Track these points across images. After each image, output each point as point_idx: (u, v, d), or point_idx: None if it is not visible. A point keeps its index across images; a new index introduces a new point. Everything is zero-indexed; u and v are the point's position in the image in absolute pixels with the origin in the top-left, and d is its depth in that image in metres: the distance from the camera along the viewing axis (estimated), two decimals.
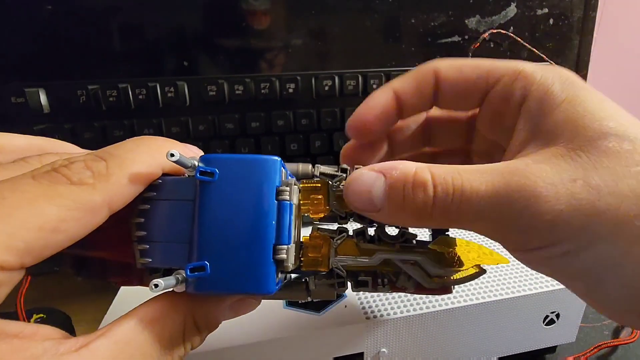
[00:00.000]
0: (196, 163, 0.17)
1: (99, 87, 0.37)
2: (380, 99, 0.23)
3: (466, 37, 0.45)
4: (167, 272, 0.19)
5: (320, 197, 0.19)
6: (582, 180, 0.16)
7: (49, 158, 0.16)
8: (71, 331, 0.35)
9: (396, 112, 0.23)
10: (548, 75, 0.19)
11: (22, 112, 0.36)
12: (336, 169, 0.20)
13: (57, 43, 0.39)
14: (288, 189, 0.17)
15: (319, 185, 0.20)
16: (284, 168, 0.18)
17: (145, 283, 0.19)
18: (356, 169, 0.19)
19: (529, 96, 0.19)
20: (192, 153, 0.18)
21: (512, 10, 0.45)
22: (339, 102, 0.41)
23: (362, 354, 0.29)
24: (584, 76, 0.49)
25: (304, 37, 0.43)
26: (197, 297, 0.17)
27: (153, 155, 0.16)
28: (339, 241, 0.20)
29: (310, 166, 0.21)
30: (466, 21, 0.45)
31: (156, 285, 0.15)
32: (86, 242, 0.15)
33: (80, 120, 0.37)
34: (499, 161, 0.18)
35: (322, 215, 0.20)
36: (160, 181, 0.17)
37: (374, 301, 0.30)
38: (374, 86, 0.41)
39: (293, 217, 0.17)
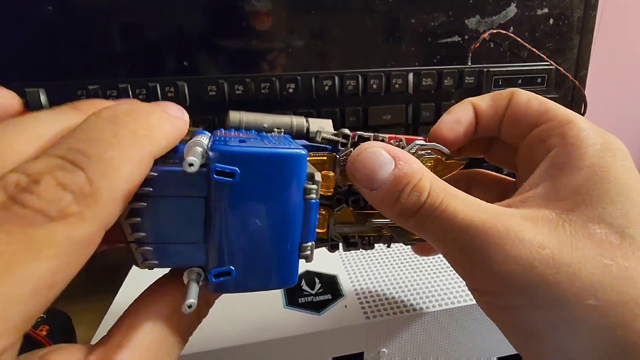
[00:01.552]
0: (203, 152, 0.14)
1: (99, 87, 0.37)
2: (463, 116, 0.23)
3: (466, 37, 0.45)
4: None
5: (331, 175, 0.20)
6: (550, 250, 0.16)
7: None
8: (72, 332, 0.35)
9: (473, 131, 0.23)
10: (592, 136, 0.19)
11: (22, 112, 0.36)
12: (336, 134, 0.20)
13: (58, 43, 0.39)
14: (315, 187, 0.16)
15: (325, 158, 0.20)
16: None
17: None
18: (360, 137, 0.20)
19: (560, 145, 0.19)
20: (181, 122, 0.16)
21: (512, 10, 0.45)
22: (339, 102, 0.41)
23: (361, 354, 0.29)
24: (584, 76, 0.49)
25: (304, 37, 0.43)
26: None
27: (141, 144, 0.13)
28: (338, 212, 0.21)
29: (304, 120, 0.21)
30: (466, 21, 0.45)
31: (190, 307, 0.14)
32: None
33: None
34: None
35: (330, 193, 0.20)
36: (155, 174, 0.14)
37: (374, 301, 0.30)
38: (374, 86, 0.41)
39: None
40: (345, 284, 0.32)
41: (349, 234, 0.22)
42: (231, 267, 0.15)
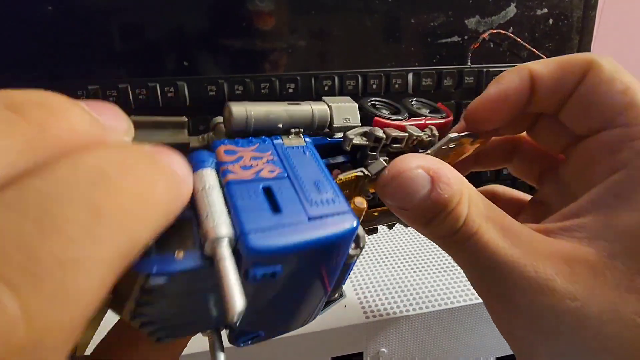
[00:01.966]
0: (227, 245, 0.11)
1: (99, 87, 0.37)
2: (513, 89, 0.19)
3: (466, 37, 0.45)
4: None
5: (364, 207, 0.17)
6: (581, 303, 0.15)
7: None
8: None
9: (526, 100, 0.19)
10: None
11: None
12: (365, 133, 0.17)
13: (57, 43, 0.39)
14: (357, 252, 0.14)
15: (354, 176, 0.17)
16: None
17: None
18: (394, 140, 0.18)
19: (633, 168, 0.16)
20: (185, 188, 0.11)
21: (511, 10, 0.45)
22: None
23: (361, 353, 0.29)
24: None
25: (304, 37, 0.43)
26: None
27: (130, 232, 0.08)
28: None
29: (326, 109, 0.17)
30: (466, 21, 0.45)
31: None
32: None
33: None
34: (557, 205, 0.18)
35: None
36: (161, 281, 0.10)
37: (374, 301, 0.30)
38: (374, 86, 0.41)
39: None
40: (345, 284, 0.32)
41: (364, 226, 0.20)
42: (261, 331, 0.14)
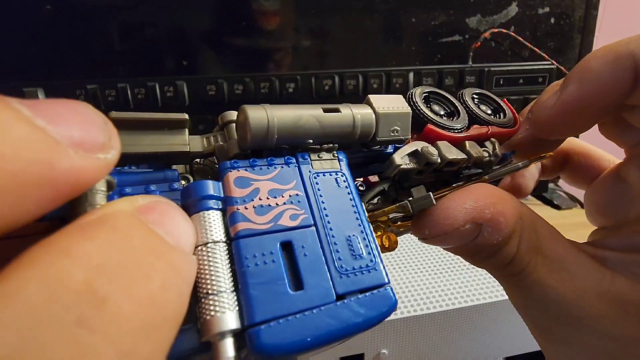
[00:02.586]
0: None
1: (98, 87, 0.37)
2: (606, 79, 0.13)
3: (467, 36, 0.45)
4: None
5: (393, 240, 0.15)
6: (622, 344, 0.15)
7: None
8: None
9: (624, 99, 0.14)
10: None
11: None
12: (415, 153, 0.15)
13: (56, 42, 0.38)
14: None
15: (395, 207, 0.15)
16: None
17: None
18: (449, 164, 0.15)
19: None
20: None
21: (513, 9, 0.45)
22: (339, 102, 0.41)
23: (362, 355, 0.29)
24: None
25: (304, 36, 0.42)
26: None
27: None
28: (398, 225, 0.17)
29: (372, 116, 0.14)
30: (467, 20, 0.44)
31: None
32: None
33: None
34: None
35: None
36: None
37: None
38: (375, 85, 0.40)
39: None
40: None
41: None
42: None
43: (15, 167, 0.06)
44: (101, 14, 0.39)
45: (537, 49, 0.46)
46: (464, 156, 0.15)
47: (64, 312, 0.06)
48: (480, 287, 0.30)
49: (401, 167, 0.14)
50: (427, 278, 0.32)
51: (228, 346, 0.09)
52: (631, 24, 0.64)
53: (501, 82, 0.43)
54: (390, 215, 0.16)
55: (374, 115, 0.14)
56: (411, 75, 0.41)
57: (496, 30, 0.45)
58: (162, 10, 0.39)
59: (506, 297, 0.28)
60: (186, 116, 0.12)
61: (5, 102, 0.07)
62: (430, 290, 0.31)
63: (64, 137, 0.07)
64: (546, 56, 0.46)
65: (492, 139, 0.17)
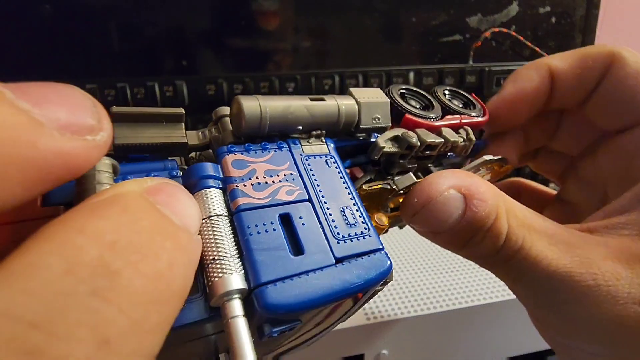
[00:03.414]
0: (240, 298, 0.09)
1: (97, 86, 0.36)
2: (531, 86, 0.18)
3: (467, 35, 0.45)
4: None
5: (386, 225, 0.16)
6: None
7: None
8: None
9: (545, 98, 0.19)
10: None
11: None
12: (396, 137, 0.16)
13: (55, 42, 0.38)
14: (382, 288, 0.13)
15: (379, 187, 0.16)
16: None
17: None
18: (427, 147, 0.16)
19: None
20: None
21: (514, 8, 0.45)
22: None
23: (362, 355, 0.29)
24: None
25: (304, 35, 0.42)
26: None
27: (135, 348, 0.07)
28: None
29: (354, 105, 0.15)
30: (467, 20, 0.44)
31: None
32: None
33: None
34: (598, 193, 0.16)
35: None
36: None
37: (375, 303, 0.29)
38: (375, 85, 0.40)
39: None
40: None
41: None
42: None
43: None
44: (100, 14, 0.38)
45: (537, 49, 0.45)
46: (441, 140, 0.17)
47: (80, 284, 0.06)
48: (482, 287, 0.30)
49: (384, 149, 0.15)
50: (428, 278, 0.32)
51: (236, 305, 0.09)
52: (631, 23, 0.64)
53: (501, 82, 0.43)
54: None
55: (356, 105, 0.15)
56: (411, 74, 0.41)
57: (497, 29, 0.44)
58: (162, 10, 0.39)
59: (508, 297, 0.28)
60: (183, 111, 0.13)
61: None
62: (431, 291, 0.31)
63: (49, 119, 0.07)
64: (547, 55, 0.46)
65: (466, 127, 0.19)
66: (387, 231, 0.18)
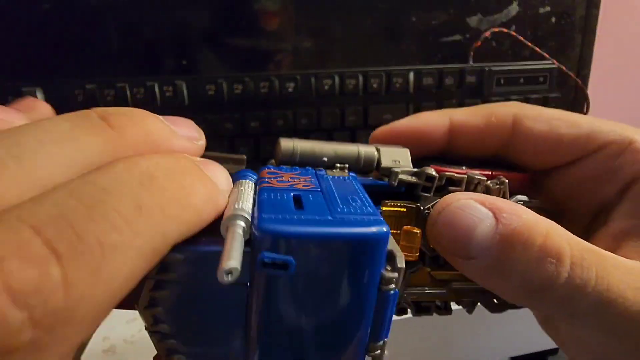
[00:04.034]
0: (246, 227, 0.11)
1: (97, 86, 0.36)
2: (431, 122, 0.19)
3: (467, 35, 0.45)
4: None
5: (416, 232, 0.15)
6: None
7: None
8: None
9: (440, 144, 0.19)
10: None
11: None
12: (417, 172, 0.16)
13: (55, 41, 0.38)
14: (396, 275, 0.12)
15: (404, 210, 0.15)
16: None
17: None
18: (448, 180, 0.15)
19: None
20: (222, 200, 0.12)
21: (514, 8, 0.45)
22: (339, 102, 0.41)
23: None
24: (587, 75, 0.48)
25: (304, 35, 0.42)
26: None
27: (165, 229, 0.10)
28: (412, 273, 0.16)
29: (374, 151, 0.17)
30: (467, 20, 0.44)
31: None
32: None
33: None
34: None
35: (414, 259, 0.15)
36: (180, 256, 0.11)
37: None
38: (375, 85, 0.40)
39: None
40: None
41: (424, 299, 0.17)
42: None
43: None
44: (100, 14, 0.38)
45: (537, 49, 0.45)
46: (464, 175, 0.16)
47: (132, 178, 0.10)
48: None
49: (399, 175, 0.16)
50: None
51: (239, 223, 0.11)
52: (632, 23, 0.64)
53: (502, 82, 0.43)
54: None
55: (376, 151, 0.17)
56: (411, 74, 0.41)
57: (497, 29, 0.44)
58: (162, 10, 0.39)
59: None
60: (244, 156, 0.16)
61: (151, 114, 0.12)
62: None
63: (182, 133, 0.13)
64: (547, 56, 0.46)
65: (500, 176, 0.17)
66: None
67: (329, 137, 0.41)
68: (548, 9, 0.46)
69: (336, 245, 0.11)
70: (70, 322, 0.08)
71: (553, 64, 0.45)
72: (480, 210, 0.13)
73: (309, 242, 0.11)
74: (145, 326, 0.12)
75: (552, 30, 0.46)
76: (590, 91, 0.48)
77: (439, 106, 0.42)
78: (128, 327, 0.29)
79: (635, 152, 0.16)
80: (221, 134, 0.39)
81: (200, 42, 0.41)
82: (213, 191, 0.12)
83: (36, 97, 0.36)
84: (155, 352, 0.13)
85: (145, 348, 0.28)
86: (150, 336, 0.12)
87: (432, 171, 0.16)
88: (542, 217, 0.13)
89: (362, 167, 0.17)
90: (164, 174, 0.10)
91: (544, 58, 0.46)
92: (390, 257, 0.12)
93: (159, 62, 0.41)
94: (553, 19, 0.46)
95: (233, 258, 0.09)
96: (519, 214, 0.13)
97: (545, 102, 0.44)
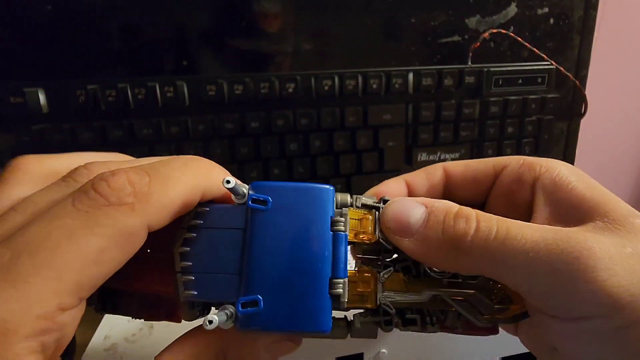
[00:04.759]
0: (247, 191, 0.16)
1: (98, 87, 0.37)
2: (392, 189, 0.23)
3: (466, 36, 0.45)
4: (205, 305, 0.19)
5: (369, 217, 0.19)
6: (631, 249, 0.16)
7: (96, 169, 0.15)
8: None
9: (441, 185, 0.24)
10: (551, 161, 0.20)
11: (21, 112, 0.36)
12: (376, 200, 0.19)
13: (56, 42, 0.38)
14: (343, 219, 0.17)
15: (367, 213, 0.19)
16: None
17: (176, 318, 0.18)
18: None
19: (540, 177, 0.20)
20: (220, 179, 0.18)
21: (512, 9, 0.45)
22: (338, 102, 0.41)
23: (361, 354, 0.29)
24: (585, 76, 0.48)
25: (304, 36, 0.42)
26: (232, 335, 0.16)
27: (198, 178, 0.16)
28: (386, 275, 0.19)
29: (348, 196, 0.19)
30: (466, 21, 0.45)
31: (210, 322, 0.14)
32: (123, 272, 0.14)
33: (79, 120, 0.37)
34: None
35: (370, 237, 0.19)
36: (207, 209, 0.17)
37: None
38: (374, 86, 0.40)
39: (348, 249, 0.17)
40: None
41: (402, 305, 0.19)
42: (259, 296, 0.16)
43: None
44: (101, 14, 0.39)
45: (536, 50, 0.46)
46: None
47: (179, 159, 0.17)
48: None
49: (362, 199, 0.19)
50: None
51: (234, 181, 0.16)
52: (630, 24, 0.65)
53: (500, 83, 0.43)
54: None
55: (348, 196, 0.19)
56: (411, 75, 0.41)
57: (495, 30, 0.45)
58: (162, 10, 0.40)
59: None
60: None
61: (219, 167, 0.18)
62: None
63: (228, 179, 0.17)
64: (545, 56, 0.46)
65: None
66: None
67: (328, 137, 0.41)
68: (546, 10, 0.46)
69: (297, 192, 0.17)
70: (149, 201, 0.14)
71: (551, 64, 0.45)
72: (414, 202, 0.18)
73: (280, 190, 0.16)
74: (174, 271, 0.16)
75: (551, 31, 0.47)
76: (588, 92, 0.48)
77: (438, 107, 0.42)
78: (129, 326, 0.29)
79: (528, 163, 0.20)
80: (221, 134, 0.39)
81: (200, 42, 0.41)
82: (220, 175, 0.17)
83: (38, 97, 0.36)
84: (157, 352, 0.16)
85: (146, 347, 0.28)
86: (177, 279, 0.16)
87: (386, 197, 0.20)
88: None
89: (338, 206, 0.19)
90: (195, 160, 0.17)
91: (542, 59, 0.46)
92: (339, 210, 0.17)
93: (160, 63, 0.41)
94: (551, 20, 0.46)
95: (231, 178, 0.16)
96: (442, 201, 0.18)
97: (543, 103, 0.44)
